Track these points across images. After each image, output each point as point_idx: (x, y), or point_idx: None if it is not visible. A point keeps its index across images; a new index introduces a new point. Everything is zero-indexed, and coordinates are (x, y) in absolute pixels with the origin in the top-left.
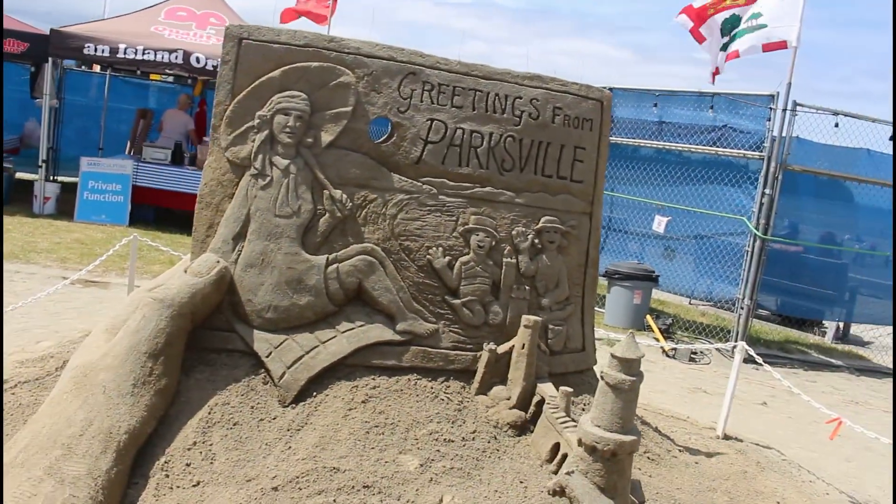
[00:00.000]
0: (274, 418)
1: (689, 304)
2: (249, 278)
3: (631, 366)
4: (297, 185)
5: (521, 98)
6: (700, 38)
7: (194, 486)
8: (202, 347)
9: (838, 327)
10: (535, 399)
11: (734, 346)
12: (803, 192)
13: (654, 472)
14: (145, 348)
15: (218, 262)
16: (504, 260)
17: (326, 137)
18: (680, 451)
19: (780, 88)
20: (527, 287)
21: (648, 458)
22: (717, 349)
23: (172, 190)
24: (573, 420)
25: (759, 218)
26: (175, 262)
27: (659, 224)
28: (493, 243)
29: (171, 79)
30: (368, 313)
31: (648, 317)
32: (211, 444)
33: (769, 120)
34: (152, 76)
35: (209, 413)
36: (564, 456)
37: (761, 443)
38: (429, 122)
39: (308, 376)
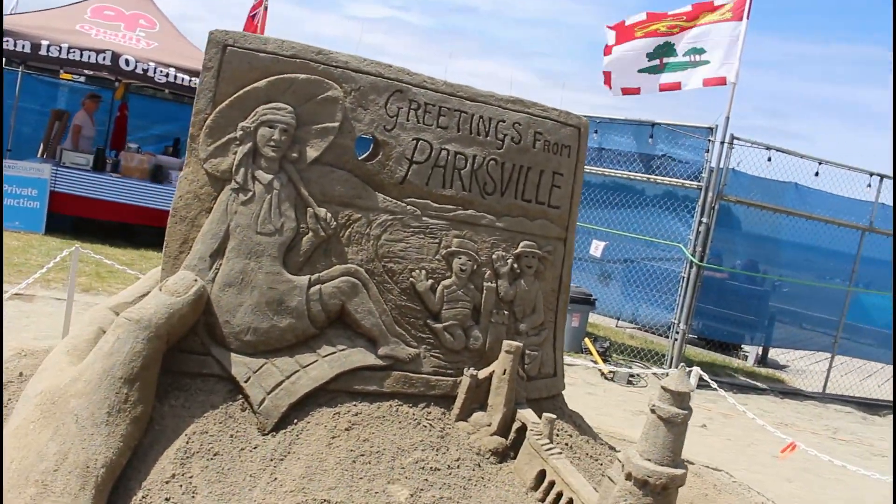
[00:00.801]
0: (255, 447)
1: (616, 326)
2: (227, 298)
3: (683, 399)
4: (281, 201)
5: (504, 122)
6: (607, 52)
7: None
8: (175, 371)
9: (758, 352)
10: (516, 425)
11: (689, 371)
12: (734, 221)
13: None
14: (120, 373)
15: (195, 280)
16: (485, 284)
17: (312, 153)
18: None
19: (719, 121)
20: (505, 312)
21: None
22: (653, 373)
23: (93, 197)
24: (557, 447)
25: (696, 245)
26: (102, 274)
27: (596, 248)
28: (475, 267)
29: (82, 79)
30: (350, 336)
31: (587, 340)
32: (191, 477)
33: (707, 151)
34: (63, 75)
35: (187, 443)
36: (551, 483)
37: (710, 465)
38: (414, 141)
39: (289, 402)
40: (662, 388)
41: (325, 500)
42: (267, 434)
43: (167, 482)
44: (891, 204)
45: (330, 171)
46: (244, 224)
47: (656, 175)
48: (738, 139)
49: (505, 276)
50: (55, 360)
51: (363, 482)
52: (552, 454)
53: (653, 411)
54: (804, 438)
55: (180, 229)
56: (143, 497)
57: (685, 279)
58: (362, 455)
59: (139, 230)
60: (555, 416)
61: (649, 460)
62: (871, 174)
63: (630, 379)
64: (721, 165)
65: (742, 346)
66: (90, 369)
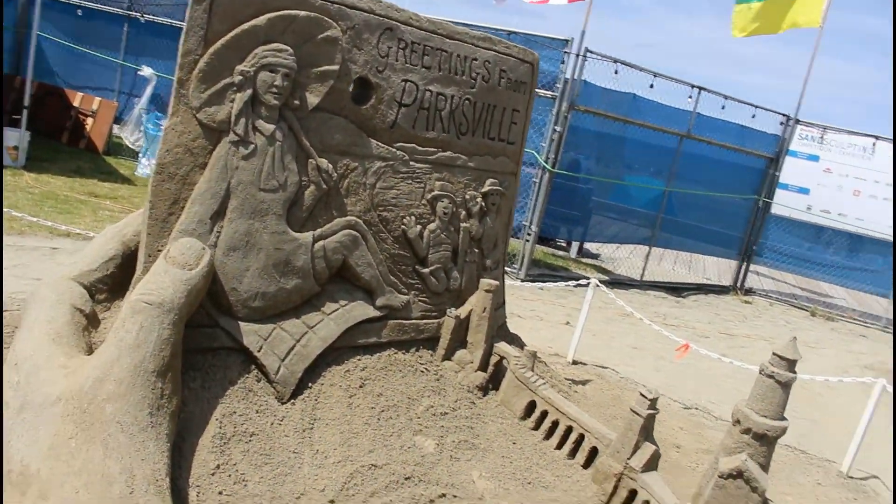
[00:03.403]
0: (282, 419)
1: None
2: (232, 263)
3: (793, 365)
4: (283, 154)
5: (476, 60)
6: None
7: None
8: (184, 349)
9: (580, 244)
10: (493, 359)
11: (589, 282)
12: (577, 127)
13: None
14: (152, 366)
15: (203, 248)
16: (461, 225)
17: (312, 99)
18: (570, 383)
19: (575, 34)
20: (476, 250)
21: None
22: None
23: None
24: (541, 378)
25: (549, 153)
26: None
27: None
28: (455, 209)
29: None
30: (349, 290)
31: None
32: (235, 464)
33: (563, 63)
34: None
35: (220, 428)
36: (543, 413)
37: (596, 363)
38: (403, 83)
39: (304, 367)
40: (776, 355)
41: (372, 465)
42: (286, 402)
43: (213, 474)
44: (707, 113)
45: (329, 118)
46: (247, 181)
47: None
48: (591, 52)
49: (476, 216)
50: (47, 354)
51: (394, 439)
52: (539, 385)
53: (770, 376)
54: (645, 327)
55: (169, 188)
56: (198, 496)
57: (537, 184)
58: (383, 411)
59: None
60: (535, 350)
61: (765, 417)
62: (693, 86)
63: None
64: (575, 77)
65: (557, 239)
66: (116, 366)
